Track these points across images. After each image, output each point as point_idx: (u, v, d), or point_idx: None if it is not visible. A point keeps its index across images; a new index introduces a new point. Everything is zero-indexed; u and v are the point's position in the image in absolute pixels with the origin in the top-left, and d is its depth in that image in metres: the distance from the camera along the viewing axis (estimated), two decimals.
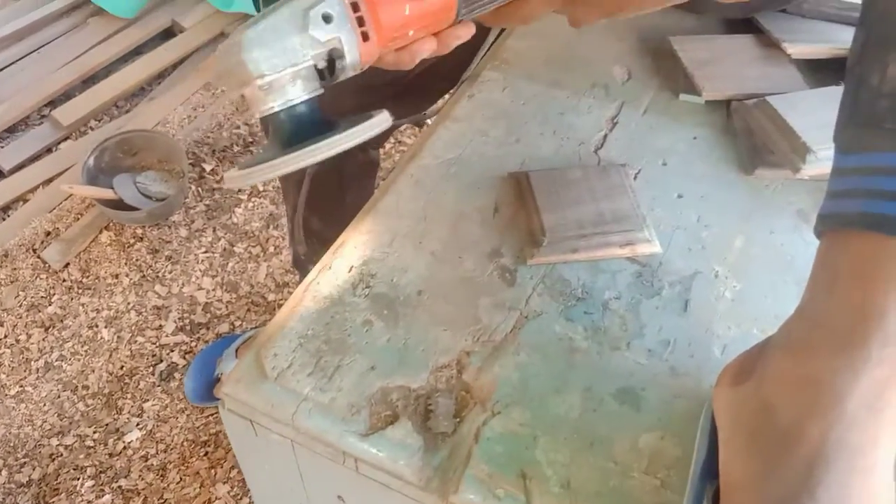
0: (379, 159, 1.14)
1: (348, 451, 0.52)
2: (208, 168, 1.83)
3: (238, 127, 1.91)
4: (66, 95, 1.95)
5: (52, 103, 1.93)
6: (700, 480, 0.45)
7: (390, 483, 0.51)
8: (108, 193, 1.70)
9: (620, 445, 0.50)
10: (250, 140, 1.90)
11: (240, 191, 1.80)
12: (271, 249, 1.71)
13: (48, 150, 1.86)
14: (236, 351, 1.46)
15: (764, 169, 0.66)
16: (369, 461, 0.51)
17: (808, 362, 0.38)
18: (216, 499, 1.36)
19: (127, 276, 1.66)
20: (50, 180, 1.79)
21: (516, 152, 0.69)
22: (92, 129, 1.91)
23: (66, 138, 1.88)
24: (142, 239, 1.72)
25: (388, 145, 1.87)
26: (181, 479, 1.40)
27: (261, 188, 1.81)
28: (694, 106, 0.73)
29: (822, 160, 0.61)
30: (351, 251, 0.62)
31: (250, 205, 1.78)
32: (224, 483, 1.37)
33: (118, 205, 1.70)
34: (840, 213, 0.38)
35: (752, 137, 0.68)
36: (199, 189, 1.80)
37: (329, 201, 1.13)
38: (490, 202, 0.65)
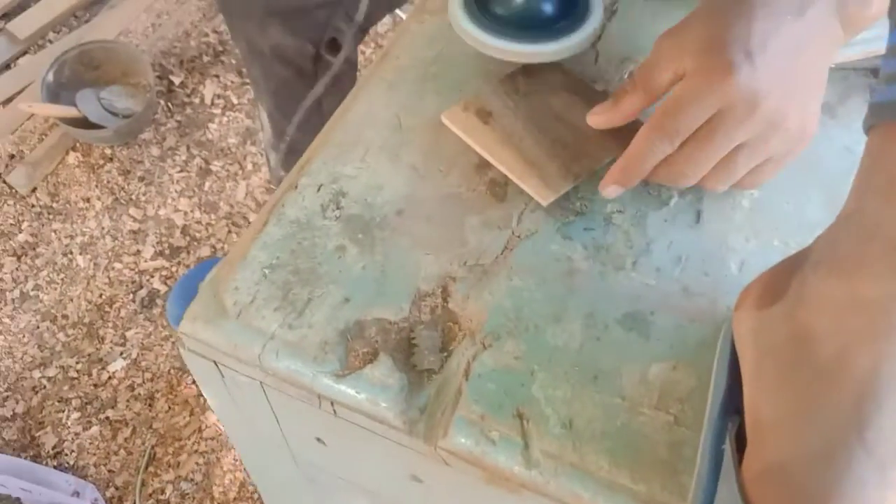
0: (357, 60, 1.05)
1: (323, 394, 0.46)
2: (177, 81, 1.73)
3: (206, 35, 1.79)
4: (20, 6, 1.81)
5: (7, 16, 1.79)
6: (720, 417, 0.39)
7: (373, 427, 0.46)
8: (70, 111, 1.60)
9: (628, 378, 0.44)
10: (220, 49, 1.78)
11: (212, 105, 1.70)
12: (250, 167, 1.63)
13: (6, 67, 1.74)
14: None
15: None
16: (347, 404, 0.46)
17: (859, 282, 0.31)
18: (206, 426, 1.33)
19: (99, 199, 1.58)
20: (10, 99, 1.69)
21: None
22: (50, 41, 1.79)
23: (23, 53, 1.77)
24: (111, 159, 1.63)
25: (367, 50, 1.76)
26: (170, 407, 1.36)
27: (235, 101, 1.71)
28: None
29: (851, 44, 0.54)
30: (319, 168, 0.55)
31: (225, 119, 1.69)
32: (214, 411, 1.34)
33: (83, 123, 1.60)
34: None
35: None
36: (169, 104, 1.70)
37: (306, 111, 1.05)
38: None
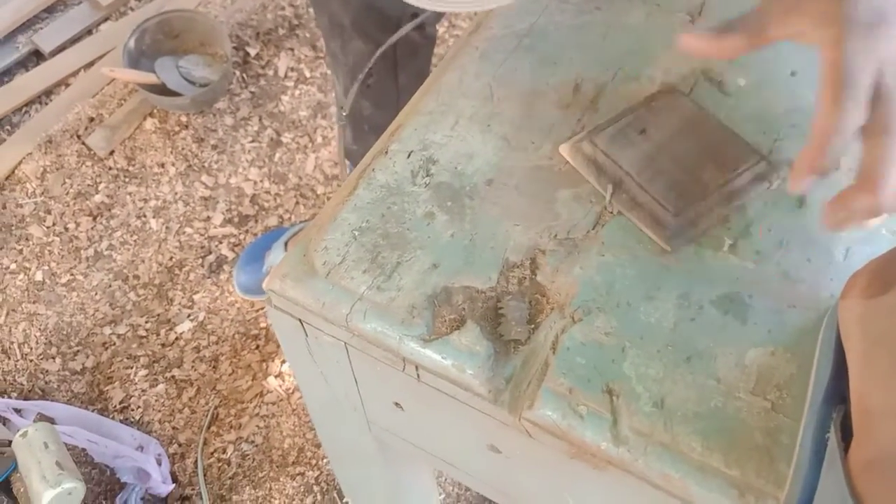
0: (436, 37, 1.05)
1: (409, 358, 0.46)
2: (252, 52, 1.75)
3: (283, 8, 1.81)
4: None
5: None
6: (823, 405, 0.38)
7: (456, 394, 0.46)
8: (150, 78, 1.63)
9: (723, 361, 0.43)
10: (296, 22, 1.80)
11: (286, 77, 1.72)
12: (319, 140, 1.64)
13: (88, 32, 1.79)
14: (285, 244, 1.42)
15: None
16: (432, 369, 0.46)
17: None
18: (268, 391, 1.35)
19: (173, 164, 1.62)
20: (91, 63, 1.73)
21: (598, 21, 0.60)
22: (132, 9, 1.83)
23: (105, 19, 1.81)
24: (187, 127, 1.66)
25: (440, 28, 1.75)
26: (233, 370, 1.39)
27: (308, 75, 1.72)
28: None
29: None
30: (409, 134, 0.54)
31: (297, 92, 1.70)
32: (276, 377, 1.36)
33: (161, 90, 1.63)
34: None
35: None
36: (244, 75, 1.72)
37: (381, 83, 1.05)
38: (569, 79, 0.56)
